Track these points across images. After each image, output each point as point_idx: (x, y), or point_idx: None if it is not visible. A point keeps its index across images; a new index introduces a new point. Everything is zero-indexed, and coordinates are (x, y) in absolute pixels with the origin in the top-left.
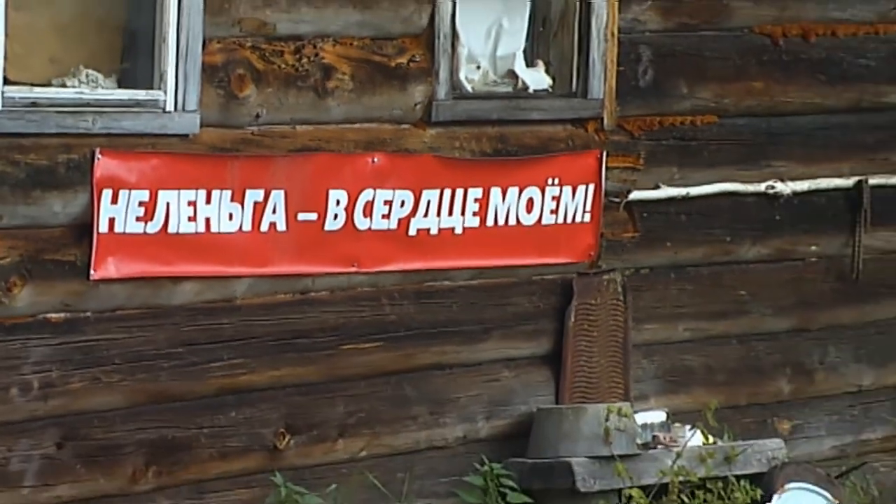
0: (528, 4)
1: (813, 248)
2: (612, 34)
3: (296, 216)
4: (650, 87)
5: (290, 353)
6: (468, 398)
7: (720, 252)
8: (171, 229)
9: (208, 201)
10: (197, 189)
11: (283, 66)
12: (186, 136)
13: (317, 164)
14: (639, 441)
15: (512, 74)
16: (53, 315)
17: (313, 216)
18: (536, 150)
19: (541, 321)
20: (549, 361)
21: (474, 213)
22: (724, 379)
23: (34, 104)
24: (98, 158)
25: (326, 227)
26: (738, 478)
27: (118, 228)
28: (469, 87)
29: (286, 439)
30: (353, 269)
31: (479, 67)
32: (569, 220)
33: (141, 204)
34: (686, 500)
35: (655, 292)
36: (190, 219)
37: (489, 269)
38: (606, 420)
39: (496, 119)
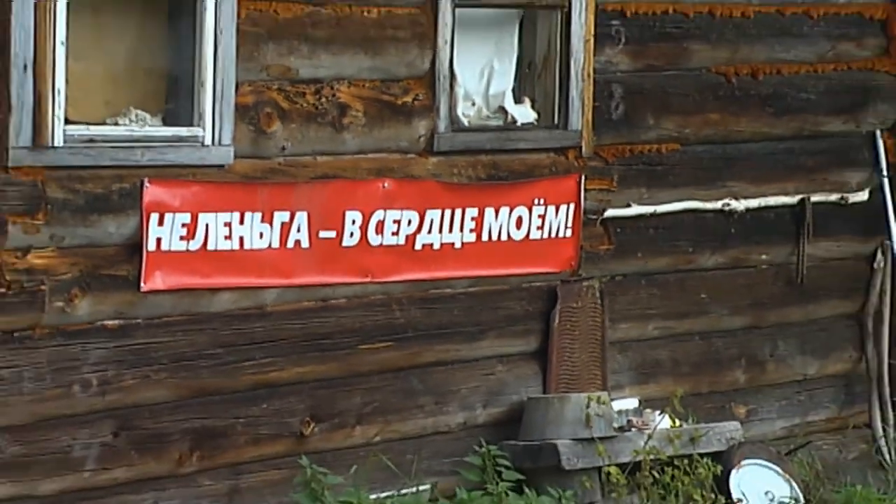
0: (516, 49)
1: (763, 256)
2: (589, 75)
3: (317, 234)
4: (622, 119)
5: (314, 353)
6: (468, 389)
7: (684, 261)
8: (210, 247)
9: (241, 222)
10: (232, 212)
11: (305, 105)
12: (222, 166)
13: (335, 189)
14: (615, 425)
15: (502, 110)
16: (109, 322)
17: (332, 234)
18: (524, 175)
19: (530, 322)
20: (538, 357)
21: (471, 230)
22: (688, 370)
23: (91, 140)
24: (146, 186)
25: (344, 244)
26: (701, 455)
27: (164, 246)
28: (465, 122)
29: (311, 427)
30: (367, 280)
31: (473, 104)
32: (553, 235)
33: (184, 225)
34: (657, 475)
35: (628, 296)
36: (226, 237)
37: (485, 278)
38: (587, 407)
39: (489, 149)
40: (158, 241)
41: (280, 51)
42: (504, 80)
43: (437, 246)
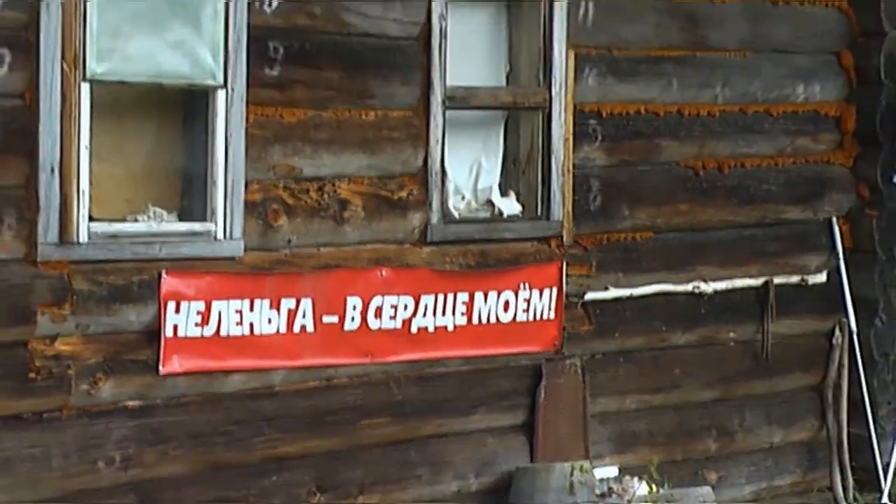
0: (501, 147)
1: (731, 334)
2: (568, 170)
3: (321, 319)
4: (599, 210)
5: (319, 428)
6: (461, 460)
7: (658, 339)
8: (223, 332)
9: (251, 309)
10: (242, 299)
11: (309, 201)
12: (233, 258)
13: (337, 277)
14: (597, 492)
15: (490, 203)
16: (130, 402)
17: (335, 319)
18: (510, 262)
19: (517, 398)
20: (525, 430)
21: (462, 314)
22: (664, 440)
23: (113, 236)
24: (164, 278)
25: (346, 328)
26: None
27: (181, 333)
28: (456, 214)
29: (317, 497)
30: (367, 360)
31: (463, 198)
32: (537, 317)
33: (198, 313)
34: None
35: (607, 373)
36: (237, 323)
37: (476, 357)
38: (571, 475)
39: (478, 238)
40: (175, 327)
41: (285, 151)
42: (491, 176)
43: (431, 329)
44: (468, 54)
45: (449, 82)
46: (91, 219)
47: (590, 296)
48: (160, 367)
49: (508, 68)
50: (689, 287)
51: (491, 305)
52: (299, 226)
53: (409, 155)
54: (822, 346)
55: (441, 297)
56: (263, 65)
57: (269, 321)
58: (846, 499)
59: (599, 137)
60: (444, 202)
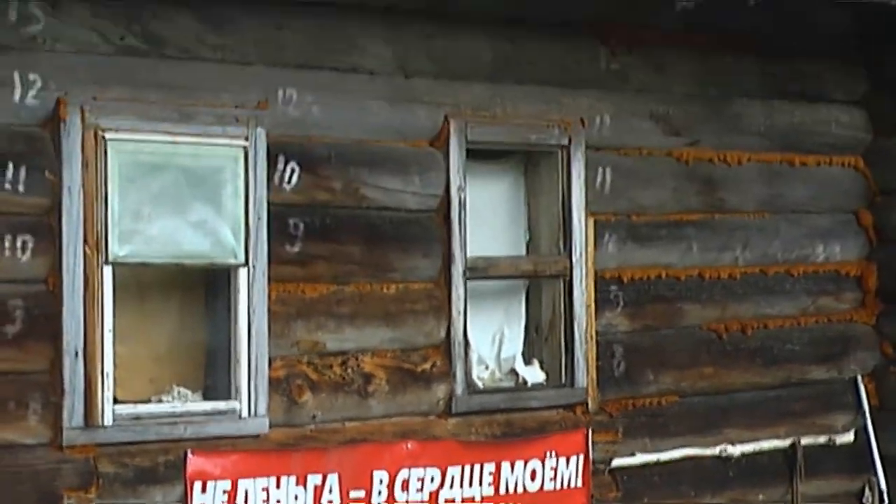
0: (524, 315)
1: (760, 497)
2: (591, 337)
3: (348, 494)
4: (623, 376)
5: None
6: None
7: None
8: None
9: (278, 486)
10: (268, 477)
11: (333, 376)
12: (258, 435)
13: (363, 452)
14: None
15: (513, 372)
16: None
17: (362, 493)
18: (536, 431)
19: None
20: None
21: (490, 484)
22: None
23: (138, 418)
24: (189, 458)
25: (373, 502)
26: None
27: None
28: (480, 384)
29: None
30: None
31: (487, 368)
32: (565, 485)
33: (225, 492)
34: None
35: None
36: (264, 501)
37: None
38: None
39: (503, 408)
40: None
41: (308, 327)
42: (514, 345)
43: (458, 500)
44: (488, 223)
45: (469, 253)
46: (116, 401)
47: (617, 462)
48: None
49: (528, 236)
50: (716, 450)
51: (518, 475)
52: (324, 401)
53: (431, 327)
54: None
55: (468, 468)
56: (284, 241)
57: (296, 498)
58: None
59: (621, 303)
60: (467, 373)
